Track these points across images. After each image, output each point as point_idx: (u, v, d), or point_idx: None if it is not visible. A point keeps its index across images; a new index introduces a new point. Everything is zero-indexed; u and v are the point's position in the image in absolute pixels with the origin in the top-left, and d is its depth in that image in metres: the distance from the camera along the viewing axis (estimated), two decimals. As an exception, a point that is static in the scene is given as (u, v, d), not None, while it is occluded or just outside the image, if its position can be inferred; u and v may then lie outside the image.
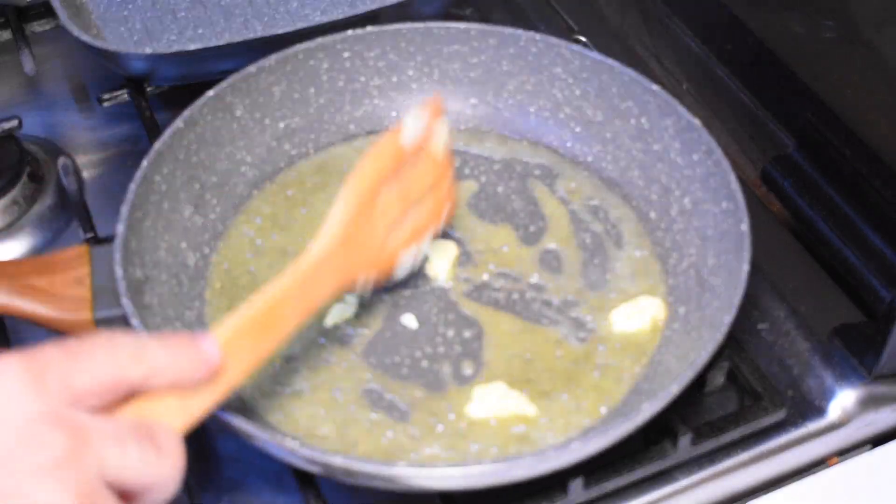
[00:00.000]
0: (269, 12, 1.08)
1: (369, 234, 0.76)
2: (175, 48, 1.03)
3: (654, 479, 0.78)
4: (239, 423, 0.69)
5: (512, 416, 0.78)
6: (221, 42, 0.96)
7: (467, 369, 0.81)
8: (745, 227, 0.80)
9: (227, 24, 1.07)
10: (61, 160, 0.97)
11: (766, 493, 0.80)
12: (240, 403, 0.78)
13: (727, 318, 0.75)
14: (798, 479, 0.81)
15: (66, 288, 0.78)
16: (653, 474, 0.78)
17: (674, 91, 0.92)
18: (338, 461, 0.68)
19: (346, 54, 0.96)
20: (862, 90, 0.89)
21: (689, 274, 0.85)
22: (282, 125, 0.95)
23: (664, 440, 0.77)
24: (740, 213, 0.81)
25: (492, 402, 0.78)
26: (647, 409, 0.70)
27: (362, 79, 0.97)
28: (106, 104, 1.04)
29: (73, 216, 0.98)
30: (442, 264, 0.87)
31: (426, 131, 0.79)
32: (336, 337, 0.84)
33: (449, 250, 0.88)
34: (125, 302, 0.76)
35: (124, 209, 0.81)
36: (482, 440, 0.77)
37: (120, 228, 0.80)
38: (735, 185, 0.82)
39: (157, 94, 1.04)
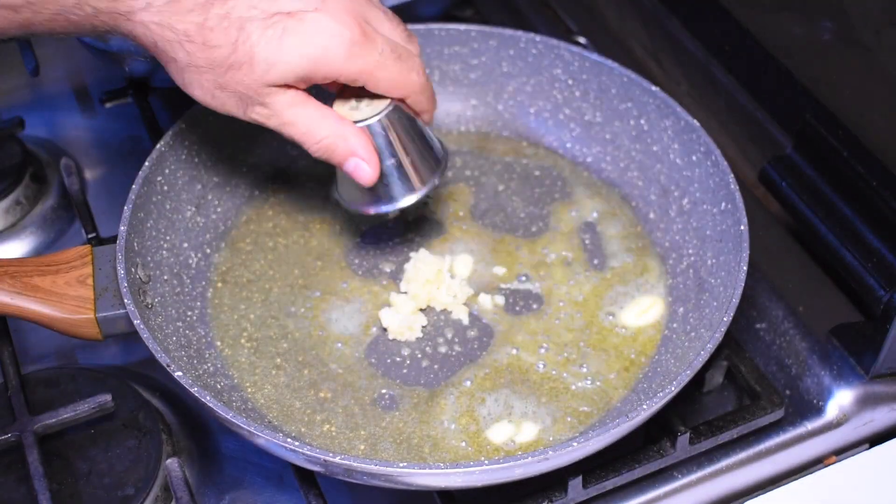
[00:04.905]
0: (271, 13, 1.08)
1: None
2: (177, 49, 1.03)
3: (652, 477, 0.79)
4: (240, 421, 0.70)
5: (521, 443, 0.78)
6: (223, 43, 0.96)
7: (469, 369, 0.82)
8: (743, 227, 0.81)
9: (228, 25, 1.07)
10: (64, 161, 0.98)
11: (764, 492, 0.80)
12: (241, 403, 0.79)
13: (725, 318, 0.75)
14: (796, 478, 0.81)
15: (68, 288, 0.79)
16: (652, 473, 0.78)
17: (673, 92, 0.92)
18: (338, 460, 0.68)
19: (346, 55, 0.96)
20: (859, 91, 0.89)
21: (687, 274, 0.85)
22: (283, 126, 0.95)
23: (663, 439, 0.77)
24: (739, 213, 0.81)
25: (503, 435, 0.78)
26: (646, 409, 0.71)
27: (363, 80, 0.97)
28: (108, 105, 1.05)
29: (75, 216, 0.98)
30: (460, 272, 0.88)
31: None
32: (339, 336, 0.84)
33: (466, 263, 0.88)
34: (127, 302, 0.76)
35: (126, 209, 0.81)
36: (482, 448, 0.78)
37: (122, 229, 0.80)
38: (733, 186, 0.83)
39: (159, 95, 1.05)
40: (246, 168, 0.93)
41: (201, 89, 0.75)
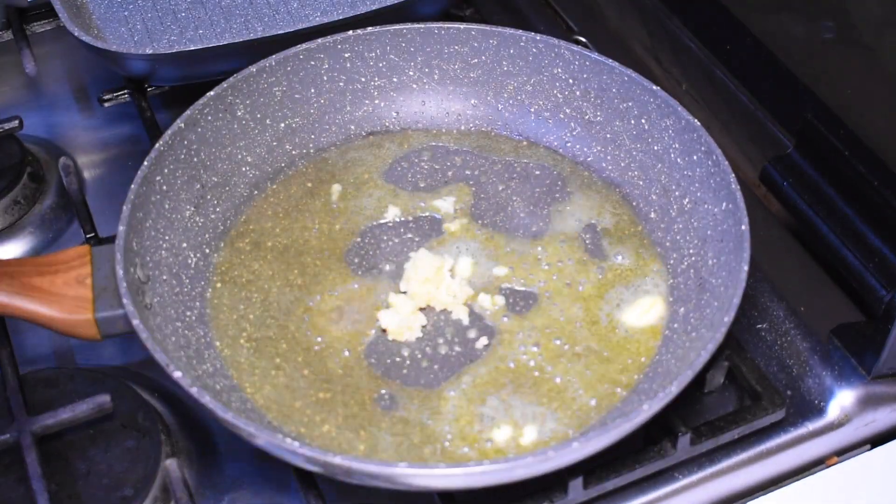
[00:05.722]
0: (270, 13, 1.08)
1: None
2: (175, 48, 1.03)
3: (653, 478, 0.79)
4: (240, 422, 0.70)
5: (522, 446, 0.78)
6: (222, 42, 0.97)
7: (469, 369, 0.82)
8: (744, 227, 0.80)
9: (227, 24, 1.07)
10: (62, 160, 0.98)
11: (765, 493, 0.80)
12: (241, 403, 0.79)
13: (726, 318, 0.75)
14: (797, 479, 0.81)
15: (67, 288, 0.78)
16: (652, 474, 0.78)
17: (673, 91, 0.92)
18: (338, 461, 0.68)
19: (346, 55, 0.96)
20: (861, 91, 0.89)
21: (688, 274, 0.85)
22: (282, 125, 0.95)
23: (664, 440, 0.77)
24: (739, 213, 0.81)
25: (503, 435, 0.78)
26: (647, 409, 0.71)
27: (363, 79, 0.97)
28: (107, 104, 1.04)
29: (74, 216, 0.98)
30: (460, 272, 0.88)
31: None
32: (338, 336, 0.84)
33: (466, 263, 0.88)
34: (126, 302, 0.76)
35: (125, 209, 0.81)
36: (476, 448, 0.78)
37: (121, 228, 0.80)
38: (734, 186, 0.83)
39: (157, 95, 1.05)
40: (246, 168, 0.93)
41: None
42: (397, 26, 0.96)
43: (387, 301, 0.86)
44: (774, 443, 0.81)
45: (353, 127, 0.98)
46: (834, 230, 0.88)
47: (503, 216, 0.92)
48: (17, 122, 1.00)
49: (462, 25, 0.96)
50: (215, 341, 0.83)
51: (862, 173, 0.86)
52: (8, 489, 0.77)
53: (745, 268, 0.78)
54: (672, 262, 0.87)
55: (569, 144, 0.96)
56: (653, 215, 0.90)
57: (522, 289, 0.87)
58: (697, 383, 0.82)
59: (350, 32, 0.95)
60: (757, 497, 0.79)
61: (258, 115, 0.94)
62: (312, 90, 0.96)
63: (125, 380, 0.84)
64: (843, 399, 0.82)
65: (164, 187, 0.86)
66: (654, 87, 0.90)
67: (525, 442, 0.77)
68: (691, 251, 0.86)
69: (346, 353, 0.83)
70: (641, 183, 0.92)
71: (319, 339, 0.83)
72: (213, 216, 0.90)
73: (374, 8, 1.01)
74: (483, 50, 0.97)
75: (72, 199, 0.94)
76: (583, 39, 1.06)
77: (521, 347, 0.83)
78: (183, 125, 0.88)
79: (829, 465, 0.82)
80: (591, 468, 0.75)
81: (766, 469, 0.81)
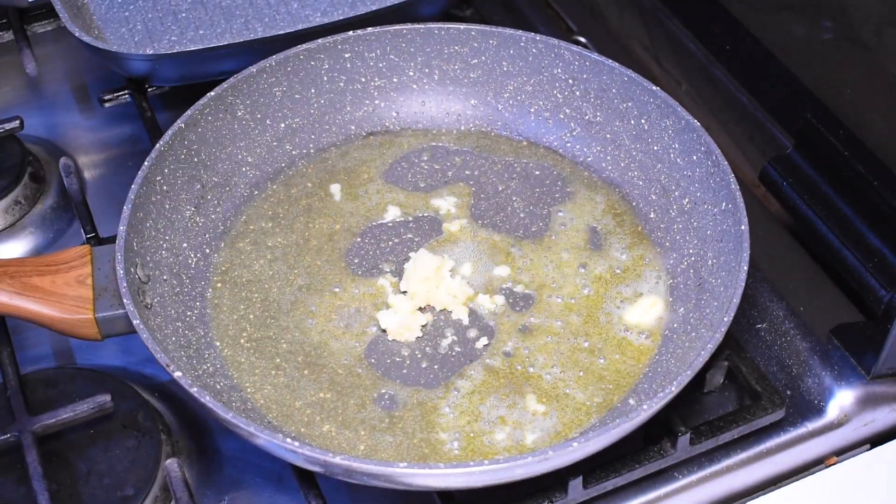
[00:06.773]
0: (270, 13, 1.08)
1: None
2: (176, 49, 1.03)
3: (653, 478, 0.79)
4: (240, 422, 0.70)
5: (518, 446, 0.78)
6: (222, 43, 0.97)
7: (469, 369, 0.82)
8: (744, 227, 0.80)
9: (227, 25, 1.07)
10: (63, 160, 0.98)
11: (765, 493, 0.80)
12: (241, 403, 0.79)
13: (726, 318, 0.75)
14: (797, 479, 0.81)
15: (67, 288, 0.79)
16: (652, 473, 0.78)
17: (673, 92, 0.92)
18: (338, 460, 0.68)
19: (346, 55, 0.96)
20: (860, 91, 0.89)
21: (688, 274, 0.85)
22: (283, 125, 0.95)
23: (663, 440, 0.77)
24: (739, 213, 0.81)
25: (503, 435, 0.78)
26: (647, 409, 0.71)
27: (363, 79, 0.97)
28: (107, 105, 1.04)
29: (74, 216, 0.98)
30: (460, 272, 0.88)
31: None
32: (338, 336, 0.84)
33: (466, 263, 0.88)
34: (127, 302, 0.76)
35: (126, 209, 0.81)
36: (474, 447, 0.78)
37: (121, 228, 0.80)
38: (734, 186, 0.83)
39: (158, 95, 1.05)
40: (246, 168, 0.93)
41: None
42: (397, 26, 0.96)
43: (387, 301, 0.86)
44: (774, 442, 0.81)
45: (353, 127, 0.98)
46: (833, 230, 0.88)
47: (503, 216, 0.92)
48: (17, 122, 1.00)
49: (462, 26, 0.96)
50: (215, 341, 0.83)
51: (861, 173, 0.86)
52: (9, 489, 0.77)
53: (745, 268, 0.78)
54: (672, 262, 0.87)
55: (569, 144, 0.96)
56: (653, 215, 0.90)
57: (522, 289, 0.87)
58: (697, 383, 0.82)
59: (350, 33, 0.95)
60: (756, 497, 0.79)
61: (258, 116, 0.94)
62: (312, 90, 0.96)
63: (125, 380, 0.84)
64: (842, 399, 0.82)
65: (165, 187, 0.86)
66: (654, 88, 0.90)
67: (525, 442, 0.77)
68: (691, 251, 0.86)
69: (346, 353, 0.83)
70: (641, 183, 0.92)
71: (319, 339, 0.83)
72: (213, 216, 0.90)
73: (374, 8, 1.01)
74: (483, 50, 0.97)
75: (72, 200, 0.94)
76: (583, 39, 1.06)
77: (521, 347, 0.83)
78: (183, 125, 0.88)
79: (829, 465, 0.82)
80: (591, 468, 0.75)
81: (765, 469, 0.81)
